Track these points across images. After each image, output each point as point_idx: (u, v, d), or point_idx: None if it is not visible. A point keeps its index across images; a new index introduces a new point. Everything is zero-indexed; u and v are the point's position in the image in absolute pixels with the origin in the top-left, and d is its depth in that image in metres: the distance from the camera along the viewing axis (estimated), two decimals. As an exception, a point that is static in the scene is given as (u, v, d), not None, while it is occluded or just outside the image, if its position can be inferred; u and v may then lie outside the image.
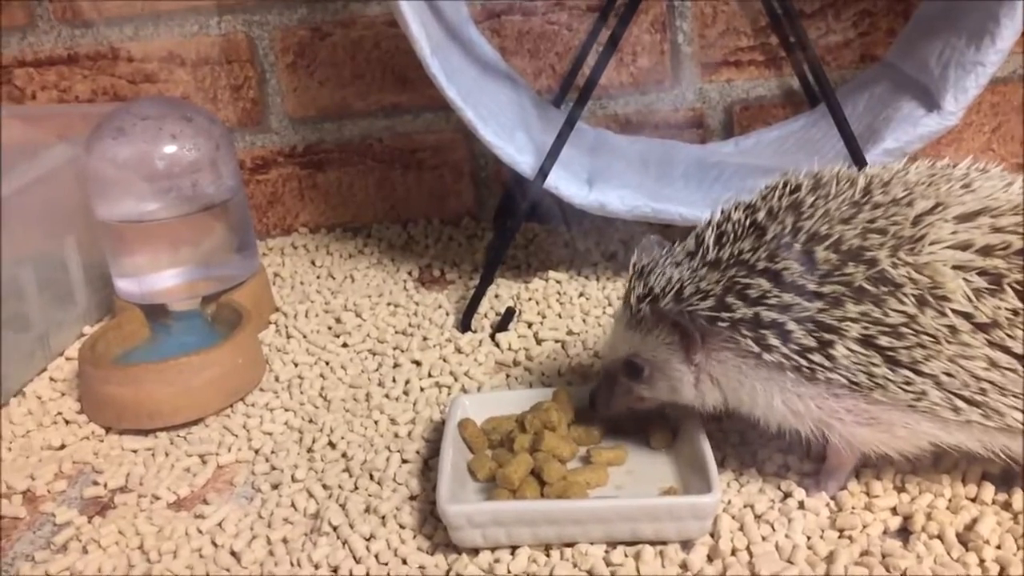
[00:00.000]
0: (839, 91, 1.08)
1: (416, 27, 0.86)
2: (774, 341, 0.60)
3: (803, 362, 0.60)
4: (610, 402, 0.70)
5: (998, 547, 0.59)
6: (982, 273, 0.57)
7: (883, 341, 0.58)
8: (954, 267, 0.58)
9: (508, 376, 0.85)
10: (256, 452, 0.77)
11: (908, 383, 0.58)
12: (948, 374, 0.58)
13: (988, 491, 0.64)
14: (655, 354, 0.65)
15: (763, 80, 1.14)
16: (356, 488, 0.71)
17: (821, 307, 0.59)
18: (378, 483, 0.71)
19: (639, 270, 0.67)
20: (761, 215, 0.63)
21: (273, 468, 0.75)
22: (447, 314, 0.97)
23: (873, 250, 0.59)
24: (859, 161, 0.85)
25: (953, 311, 0.57)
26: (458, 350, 0.90)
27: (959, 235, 0.58)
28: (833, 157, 0.95)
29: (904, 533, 0.62)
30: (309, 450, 0.77)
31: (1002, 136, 1.14)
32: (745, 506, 0.65)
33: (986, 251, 0.58)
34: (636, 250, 0.68)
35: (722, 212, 0.65)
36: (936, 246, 0.58)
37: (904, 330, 0.58)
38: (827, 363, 0.59)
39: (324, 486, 0.71)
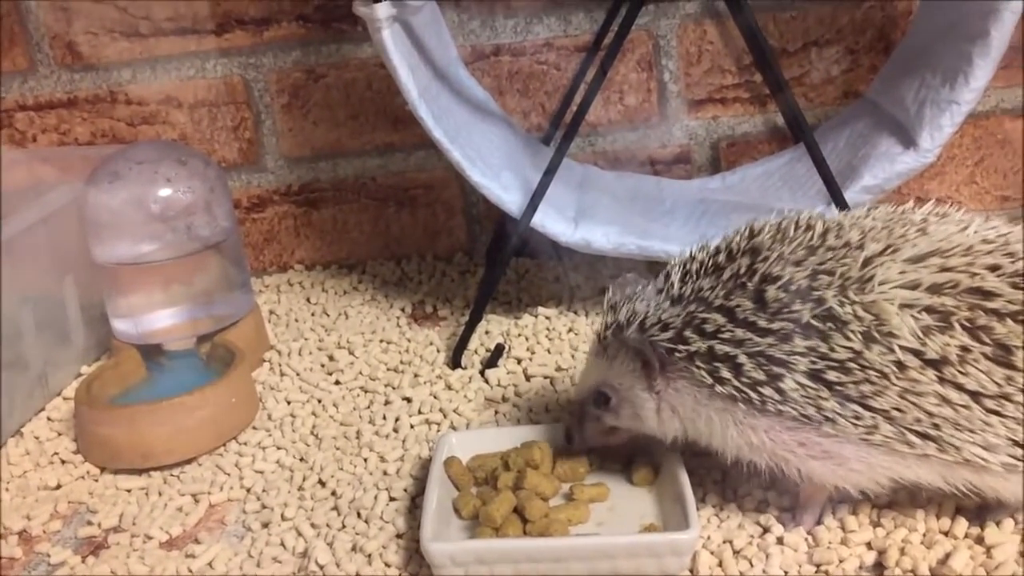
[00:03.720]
0: (821, 128, 1.10)
1: (404, 72, 0.88)
2: (726, 374, 0.62)
3: (753, 395, 0.61)
4: (584, 435, 0.72)
5: (971, 581, 0.60)
6: (930, 311, 0.59)
7: (831, 376, 0.60)
8: (902, 305, 0.59)
9: (497, 412, 0.86)
10: (248, 491, 0.79)
11: (858, 417, 0.60)
12: (899, 409, 0.59)
13: (961, 525, 0.65)
14: (620, 381, 0.68)
15: (748, 116, 1.16)
16: (344, 527, 0.72)
17: (771, 342, 0.61)
18: (365, 521, 0.72)
19: (611, 305, 0.69)
20: (722, 257, 0.66)
21: (264, 507, 0.76)
22: (438, 351, 0.98)
23: (820, 290, 0.61)
24: (838, 200, 0.87)
25: (901, 347, 0.59)
26: (448, 387, 0.91)
27: (907, 275, 0.60)
28: (816, 193, 0.97)
29: (879, 568, 0.63)
30: (300, 488, 0.78)
31: (985, 169, 1.16)
32: (724, 542, 0.66)
33: (935, 289, 0.59)
34: (611, 286, 0.71)
35: (689, 253, 0.68)
36: (884, 285, 0.60)
37: (851, 365, 0.59)
38: (777, 396, 0.61)
39: (313, 525, 0.73)
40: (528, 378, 0.91)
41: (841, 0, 1.11)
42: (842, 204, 0.87)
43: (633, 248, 0.94)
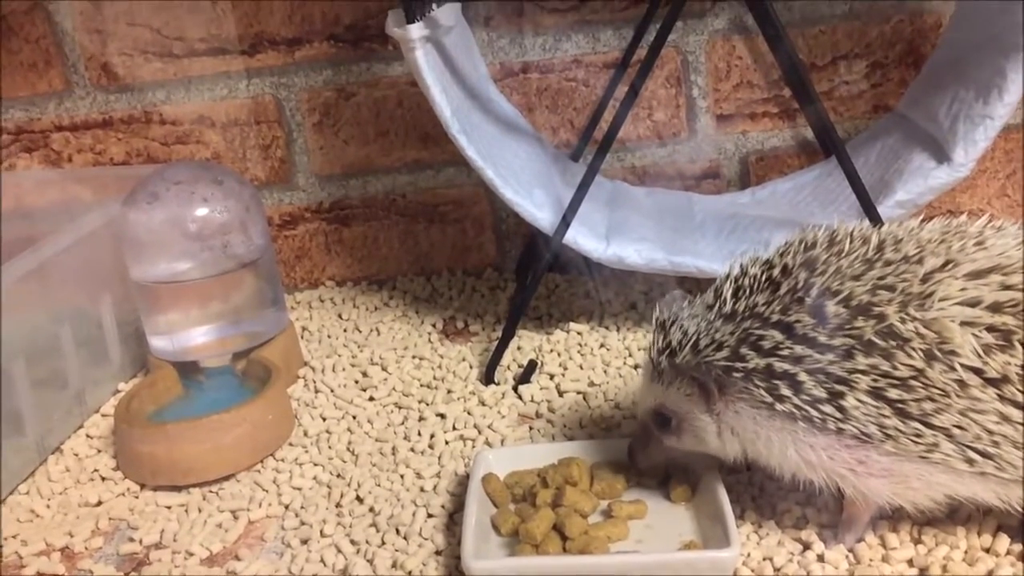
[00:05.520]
0: (851, 142, 1.10)
1: (437, 92, 0.89)
2: (786, 392, 0.62)
3: (814, 413, 0.61)
4: (648, 454, 0.72)
5: (1015, 599, 0.60)
6: (991, 329, 0.59)
7: (893, 393, 0.59)
8: (963, 323, 0.59)
9: (531, 428, 0.87)
10: (286, 507, 0.79)
11: (919, 435, 0.60)
12: (959, 427, 0.59)
13: (1003, 542, 0.65)
14: (678, 406, 0.68)
15: (777, 131, 1.17)
16: (383, 543, 0.72)
17: (832, 359, 0.60)
18: (404, 538, 0.73)
19: (660, 324, 0.69)
20: (776, 271, 0.65)
21: (302, 523, 0.77)
22: (471, 367, 0.99)
23: (881, 305, 0.60)
24: (872, 216, 0.87)
25: (962, 366, 0.58)
26: (482, 403, 0.92)
27: (968, 292, 0.60)
28: (847, 208, 0.97)
29: (922, 585, 0.63)
30: (337, 505, 0.79)
31: (1016, 182, 1.15)
32: (764, 559, 0.66)
33: (995, 308, 0.59)
34: (658, 304, 0.70)
35: (740, 267, 0.68)
36: (945, 302, 0.59)
37: (913, 383, 0.59)
38: (838, 414, 0.61)
39: (352, 541, 0.73)
40: (561, 394, 0.92)
41: (870, 13, 1.11)
42: (876, 219, 0.87)
43: (665, 264, 0.94)
